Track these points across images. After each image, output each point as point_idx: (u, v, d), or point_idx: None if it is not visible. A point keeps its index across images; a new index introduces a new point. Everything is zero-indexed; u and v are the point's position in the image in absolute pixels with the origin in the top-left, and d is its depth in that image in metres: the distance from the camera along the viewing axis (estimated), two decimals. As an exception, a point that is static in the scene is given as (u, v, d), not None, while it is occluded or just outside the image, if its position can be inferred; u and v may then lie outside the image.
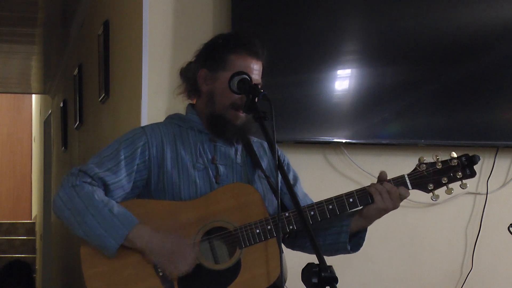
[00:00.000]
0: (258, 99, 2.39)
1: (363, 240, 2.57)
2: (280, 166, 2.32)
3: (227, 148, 2.55)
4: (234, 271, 2.41)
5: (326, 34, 3.84)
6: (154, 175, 2.49)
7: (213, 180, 2.50)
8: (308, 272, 2.13)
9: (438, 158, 2.51)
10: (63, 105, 8.08)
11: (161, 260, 2.38)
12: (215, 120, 2.52)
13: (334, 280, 2.10)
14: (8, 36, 7.65)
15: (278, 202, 2.37)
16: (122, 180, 2.46)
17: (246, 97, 2.41)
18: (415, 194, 3.78)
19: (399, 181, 2.50)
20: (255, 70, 2.51)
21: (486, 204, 4.04)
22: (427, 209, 3.98)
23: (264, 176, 2.56)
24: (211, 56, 2.54)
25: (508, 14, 4.02)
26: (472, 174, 2.53)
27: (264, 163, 2.60)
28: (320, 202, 2.47)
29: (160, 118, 2.69)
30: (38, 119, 11.95)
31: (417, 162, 2.53)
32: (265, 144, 2.65)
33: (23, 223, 12.37)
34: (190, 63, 2.60)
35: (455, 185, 2.53)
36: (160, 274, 2.40)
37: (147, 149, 2.49)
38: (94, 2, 5.66)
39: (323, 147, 3.90)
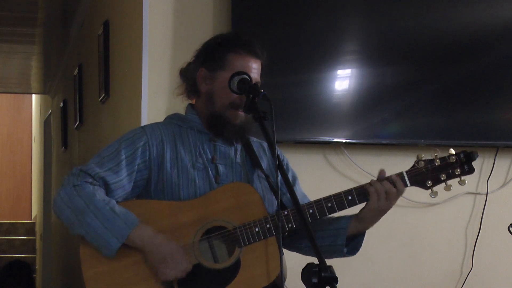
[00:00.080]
0: (258, 99, 2.39)
1: (360, 244, 2.56)
2: (280, 166, 2.32)
3: (227, 148, 2.56)
4: (233, 270, 2.41)
5: (326, 34, 3.84)
6: (154, 175, 2.49)
7: (213, 180, 2.51)
8: (308, 272, 2.14)
9: (437, 155, 2.52)
10: (63, 105, 8.08)
11: (158, 261, 2.38)
12: (214, 120, 2.52)
13: (334, 280, 2.10)
14: (8, 36, 7.65)
15: (278, 202, 2.37)
16: (123, 180, 2.46)
17: (246, 97, 2.41)
18: (415, 194, 3.79)
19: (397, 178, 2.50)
20: (254, 68, 2.52)
21: (486, 204, 4.04)
22: (427, 209, 3.98)
23: (263, 176, 2.56)
24: (210, 55, 2.54)
25: (508, 14, 4.02)
26: (471, 170, 2.53)
27: (264, 163, 2.60)
28: (319, 200, 2.47)
29: (160, 118, 2.69)
30: (38, 119, 11.95)
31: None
32: (265, 144, 2.65)
33: (23, 223, 12.37)
34: (189, 64, 2.61)
35: (454, 182, 2.53)
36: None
37: (147, 149, 2.49)
38: (94, 2, 5.66)
39: (323, 147, 3.90)
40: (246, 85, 2.42)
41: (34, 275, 10.46)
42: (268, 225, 2.42)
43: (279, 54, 3.71)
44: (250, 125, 2.51)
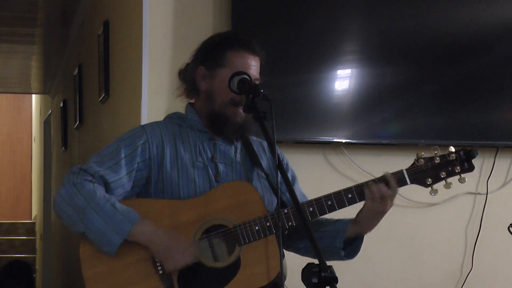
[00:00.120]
0: (258, 99, 2.39)
1: (359, 249, 2.56)
2: (280, 166, 2.32)
3: (227, 147, 2.56)
4: (233, 268, 2.41)
5: (326, 34, 3.85)
6: (154, 173, 2.49)
7: (213, 178, 2.51)
8: (308, 272, 2.13)
9: (436, 153, 2.52)
10: (63, 105, 8.08)
11: (161, 254, 2.38)
12: (214, 118, 2.52)
13: (334, 280, 2.10)
14: (8, 36, 7.65)
15: (278, 201, 2.37)
16: (122, 179, 2.46)
17: (246, 97, 2.41)
18: (415, 194, 3.78)
19: (397, 176, 2.50)
20: (253, 66, 2.52)
21: (486, 204, 4.04)
22: (427, 209, 3.97)
23: (263, 175, 2.56)
24: (209, 54, 2.54)
25: (508, 14, 4.02)
26: (470, 168, 2.53)
27: (264, 162, 2.60)
28: (319, 198, 2.47)
29: (160, 118, 2.69)
30: (38, 119, 11.95)
31: (416, 159, 2.54)
32: (265, 144, 2.65)
33: (23, 223, 12.37)
34: (188, 64, 2.61)
35: (454, 180, 2.53)
36: (160, 272, 2.40)
37: (147, 147, 2.49)
38: (94, 2, 5.66)
39: (323, 147, 3.90)
40: (246, 85, 2.42)
41: (34, 275, 10.46)
42: (268, 224, 2.43)
43: (279, 54, 3.72)
44: (249, 123, 2.51)
